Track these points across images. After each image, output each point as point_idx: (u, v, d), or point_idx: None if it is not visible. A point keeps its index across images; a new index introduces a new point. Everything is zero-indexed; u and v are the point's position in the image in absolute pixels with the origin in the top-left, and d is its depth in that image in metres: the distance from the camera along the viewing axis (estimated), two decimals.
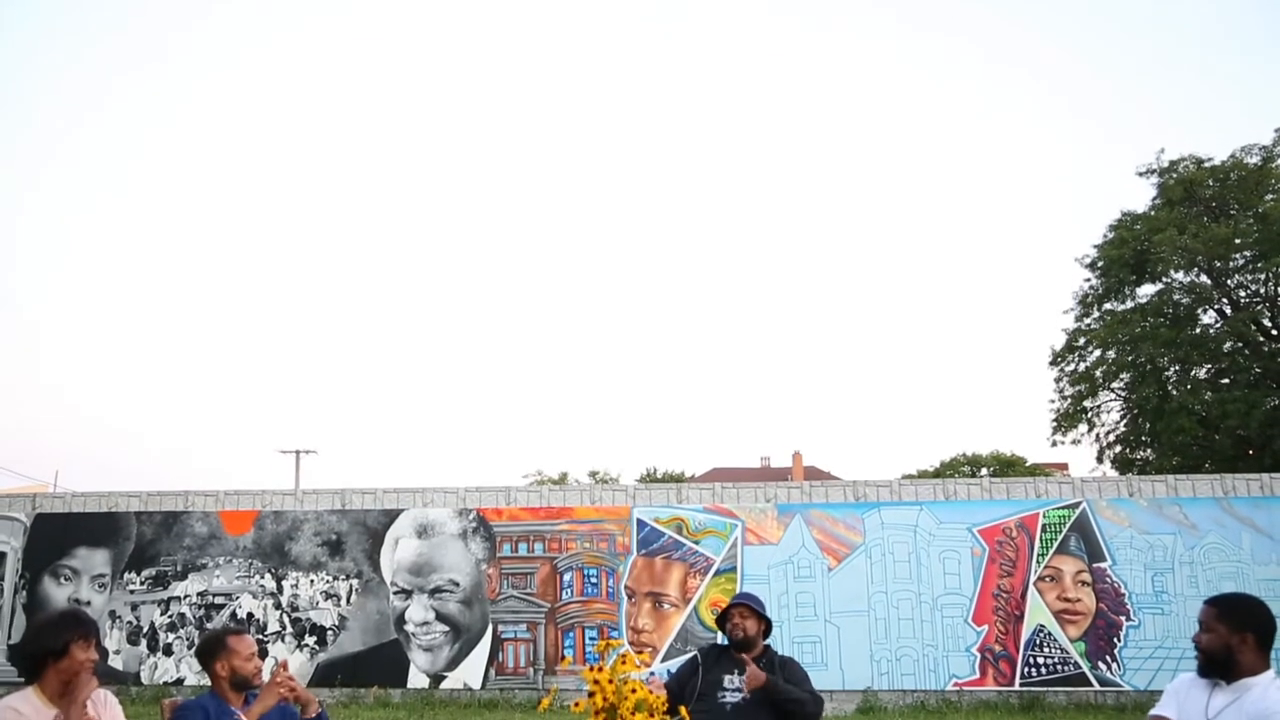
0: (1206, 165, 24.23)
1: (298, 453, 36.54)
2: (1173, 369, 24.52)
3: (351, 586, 11.60)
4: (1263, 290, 24.34)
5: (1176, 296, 24.44)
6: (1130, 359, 24.40)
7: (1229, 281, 24.32)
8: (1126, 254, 24.17)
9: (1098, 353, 25.51)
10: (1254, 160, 23.70)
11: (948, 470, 43.58)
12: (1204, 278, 24.17)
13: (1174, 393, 23.71)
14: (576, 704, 2.81)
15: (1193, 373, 24.44)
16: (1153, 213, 24.55)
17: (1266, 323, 24.24)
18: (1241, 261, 23.92)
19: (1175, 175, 24.41)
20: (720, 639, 5.03)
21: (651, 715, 2.66)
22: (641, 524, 11.34)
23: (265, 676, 4.10)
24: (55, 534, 12.12)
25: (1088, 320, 25.97)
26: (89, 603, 11.66)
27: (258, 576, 11.75)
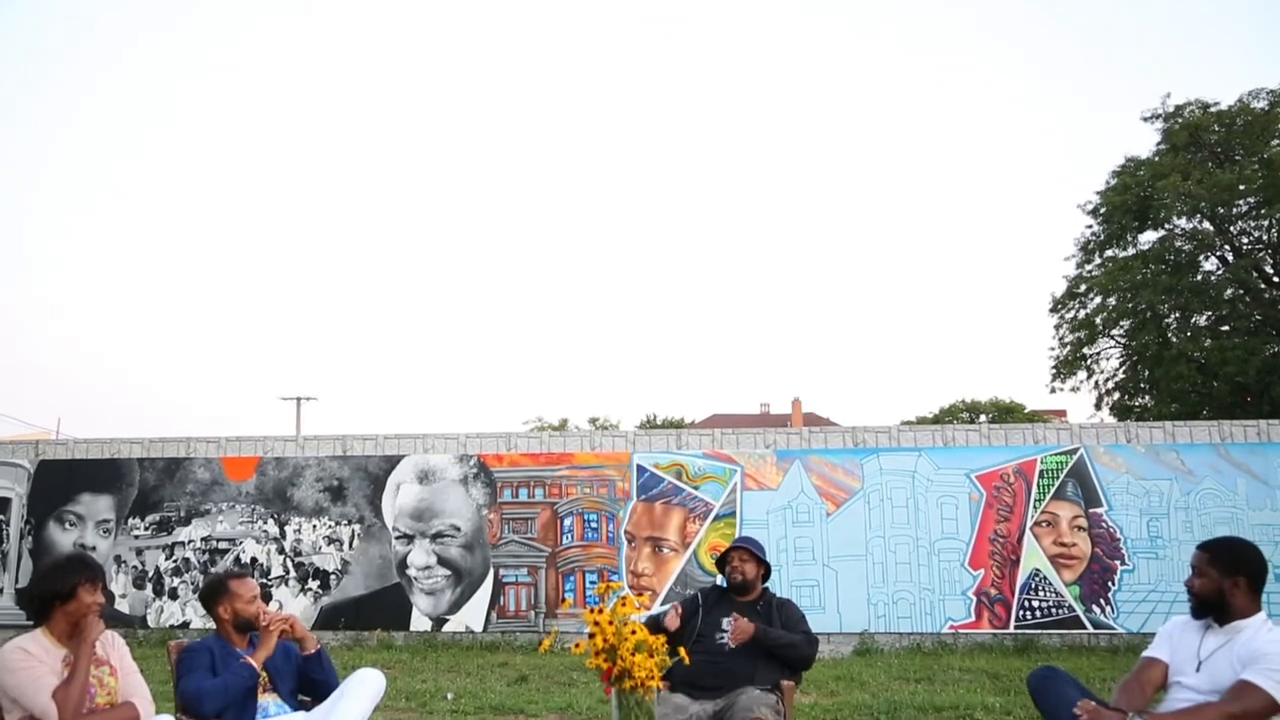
0: (1213, 110, 23.97)
1: (298, 400, 36.69)
2: (1173, 316, 24.51)
3: (353, 532, 11.71)
4: (1265, 237, 24.23)
5: (1178, 243, 24.34)
6: (1130, 306, 24.37)
7: (1232, 228, 24.21)
8: (1129, 200, 24.02)
9: (1098, 300, 25.47)
10: (1261, 105, 23.44)
11: (947, 417, 43.80)
12: (1206, 224, 24.05)
13: (1173, 340, 23.73)
14: (577, 645, 2.85)
15: (1193, 320, 24.43)
16: (1157, 158, 24.35)
17: (1269, 269, 24.18)
18: (1245, 208, 23.78)
19: (1181, 120, 24.16)
20: (720, 581, 5.10)
21: (651, 655, 2.70)
22: (641, 469, 11.41)
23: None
24: (59, 480, 12.21)
25: (1089, 267, 25.91)
26: (94, 548, 11.77)
27: (260, 522, 11.86)
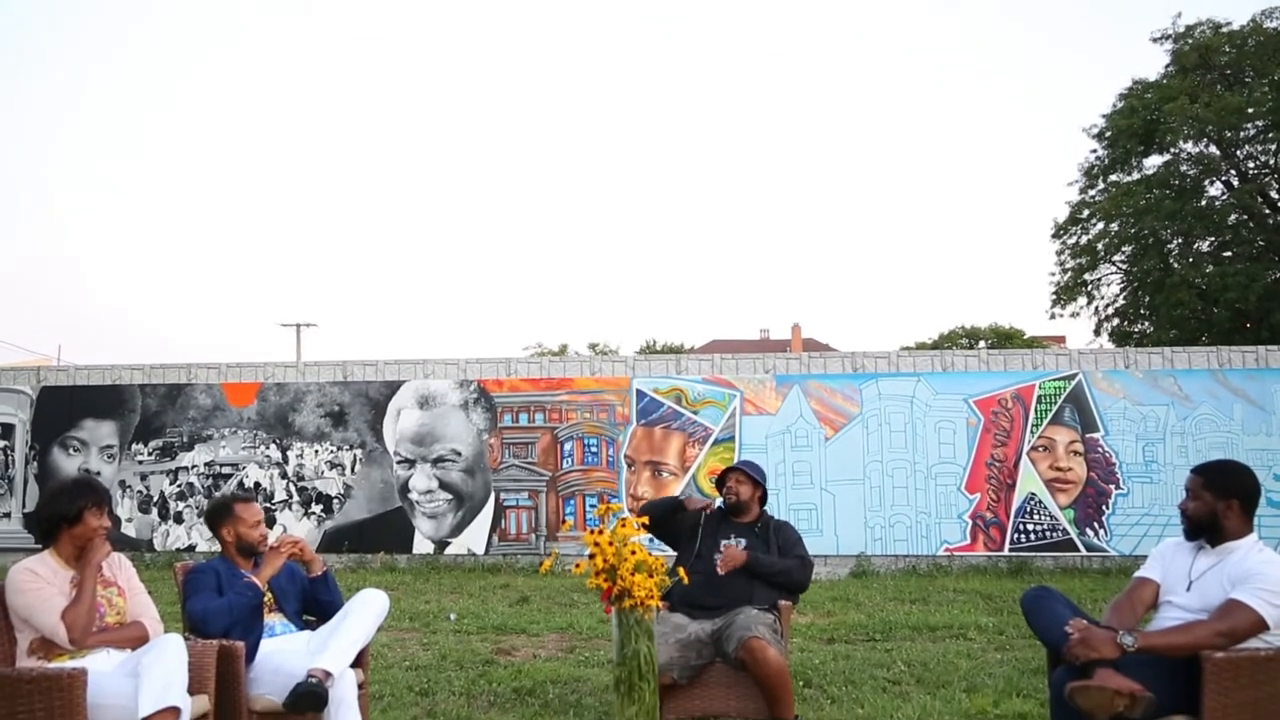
0: (1224, 30, 23.46)
1: (298, 326, 36.66)
2: (1175, 242, 24.35)
3: (355, 456, 11.80)
4: (1272, 161, 23.95)
5: (1184, 168, 24.05)
6: (1133, 232, 24.20)
7: (1238, 152, 23.91)
8: (1135, 124, 23.67)
9: (1100, 225, 25.28)
10: (1274, 25, 22.93)
11: (946, 343, 43.81)
12: (1213, 148, 23.74)
13: (1175, 266, 23.61)
14: (578, 565, 2.89)
15: (1195, 246, 24.28)
16: (1165, 81, 23.93)
17: (1274, 194, 23.95)
18: (1253, 131, 23.44)
19: (1191, 41, 23.67)
20: (719, 503, 5.15)
21: (651, 575, 2.74)
22: (641, 394, 11.46)
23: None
24: (61, 406, 12.26)
25: (1092, 192, 25.64)
26: (99, 473, 11.86)
27: (263, 447, 11.94)
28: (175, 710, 3.17)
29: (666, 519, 4.93)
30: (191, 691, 3.34)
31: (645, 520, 3.03)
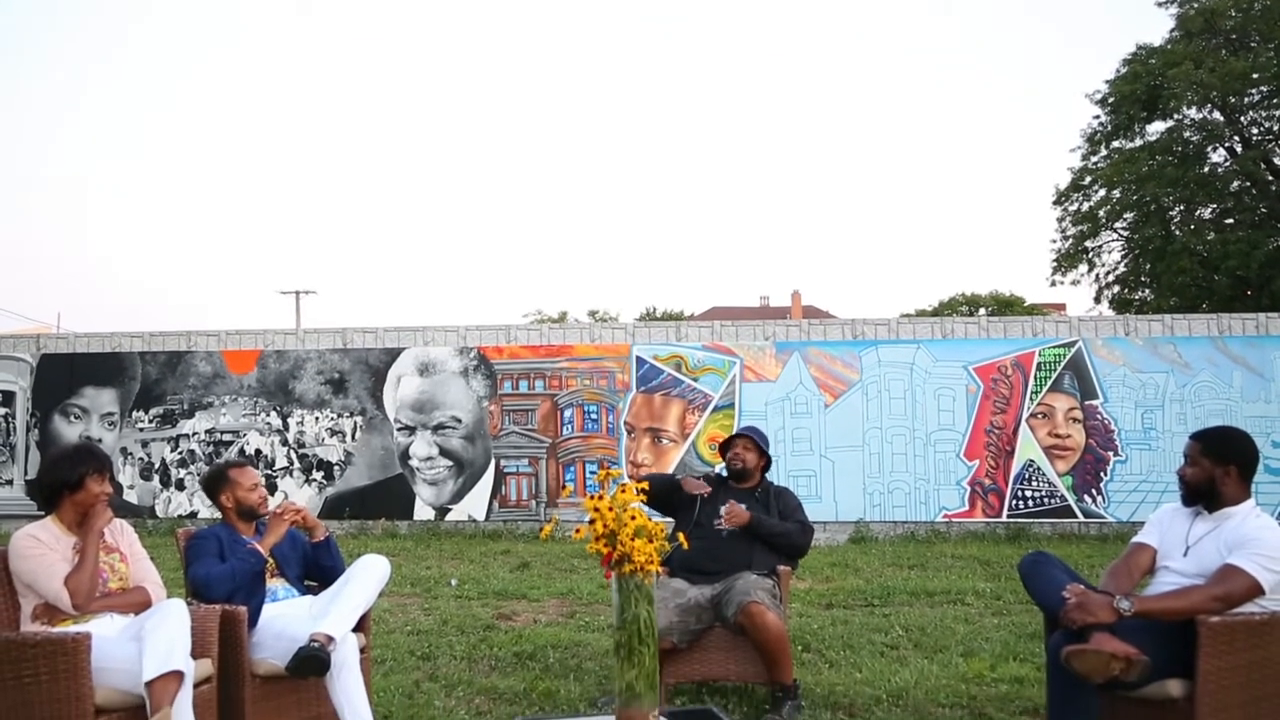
0: None
1: (297, 293, 36.63)
2: (1177, 209, 24.25)
3: (356, 423, 11.83)
4: (1276, 127, 23.79)
5: (1187, 134, 23.89)
6: (1135, 198, 24.10)
7: (1242, 119, 23.73)
8: (1139, 90, 23.48)
9: (1102, 192, 25.16)
10: None
11: (946, 310, 43.77)
12: (1217, 114, 23.56)
13: (1177, 233, 23.53)
14: (577, 530, 2.90)
15: (1197, 213, 24.18)
16: (1169, 46, 23.71)
17: (1277, 161, 23.80)
18: (1257, 97, 23.27)
19: (1196, 5, 23.41)
20: (720, 469, 5.16)
21: (651, 540, 2.75)
22: (641, 361, 11.46)
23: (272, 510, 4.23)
24: (61, 374, 12.26)
25: (1095, 159, 25.50)
26: (100, 440, 11.89)
27: (263, 414, 11.96)
28: (179, 674, 3.20)
29: (664, 497, 4.92)
30: (195, 656, 3.36)
31: (645, 486, 3.04)
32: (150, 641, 3.21)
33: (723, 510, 4.73)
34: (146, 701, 3.16)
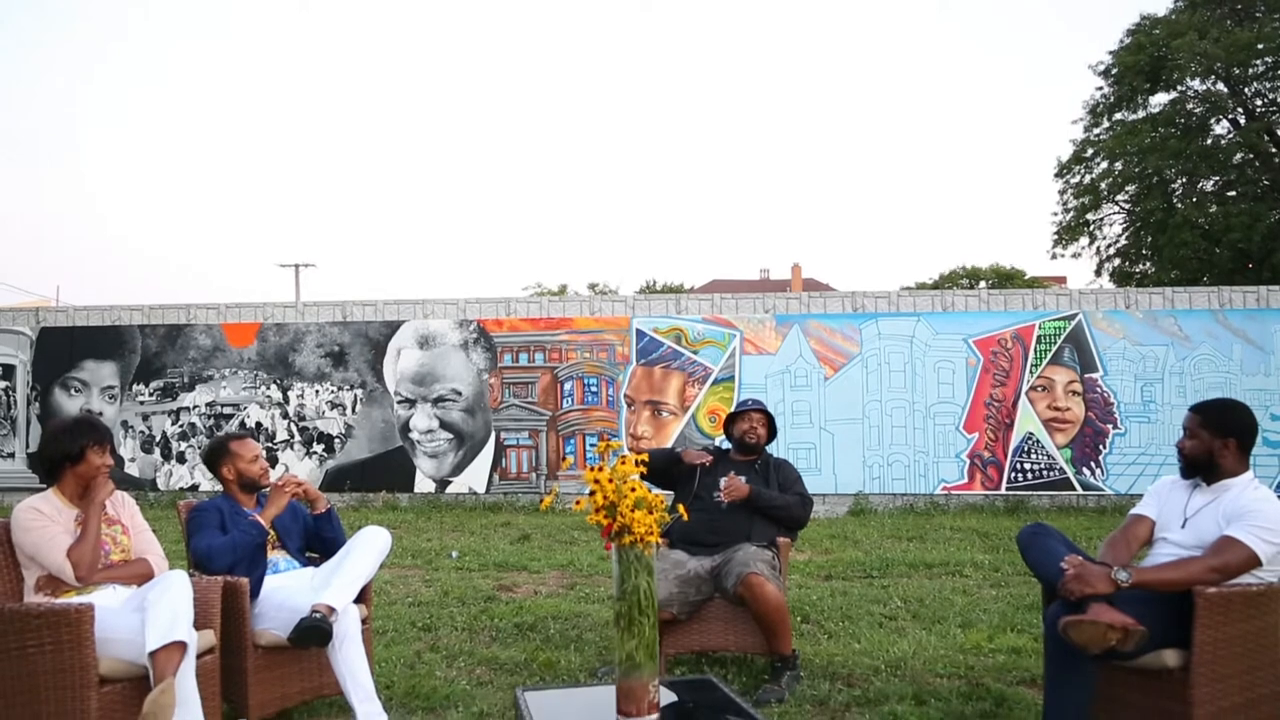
0: None
1: (297, 266, 36.55)
2: (1179, 181, 24.16)
3: (356, 396, 11.84)
4: None
5: (1190, 106, 23.77)
6: (1137, 171, 24.01)
7: (1246, 90, 23.59)
8: (1142, 60, 23.33)
9: (1105, 164, 25.08)
10: None
11: (947, 283, 43.71)
12: (1220, 86, 23.42)
13: (1179, 206, 23.46)
14: (577, 502, 2.91)
15: (1199, 185, 24.09)
16: (1174, 17, 23.54)
17: None
18: (1262, 68, 23.12)
19: None
20: (719, 441, 5.16)
21: (651, 512, 2.76)
22: (641, 334, 11.45)
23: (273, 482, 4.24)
24: (61, 347, 12.26)
25: (1097, 131, 25.38)
26: (101, 413, 11.91)
27: (264, 387, 11.97)
28: (182, 645, 3.22)
29: (665, 469, 4.94)
30: (197, 626, 3.38)
31: (644, 458, 3.04)
32: (153, 613, 3.23)
33: (722, 483, 4.74)
34: (150, 672, 3.18)
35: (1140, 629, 3.10)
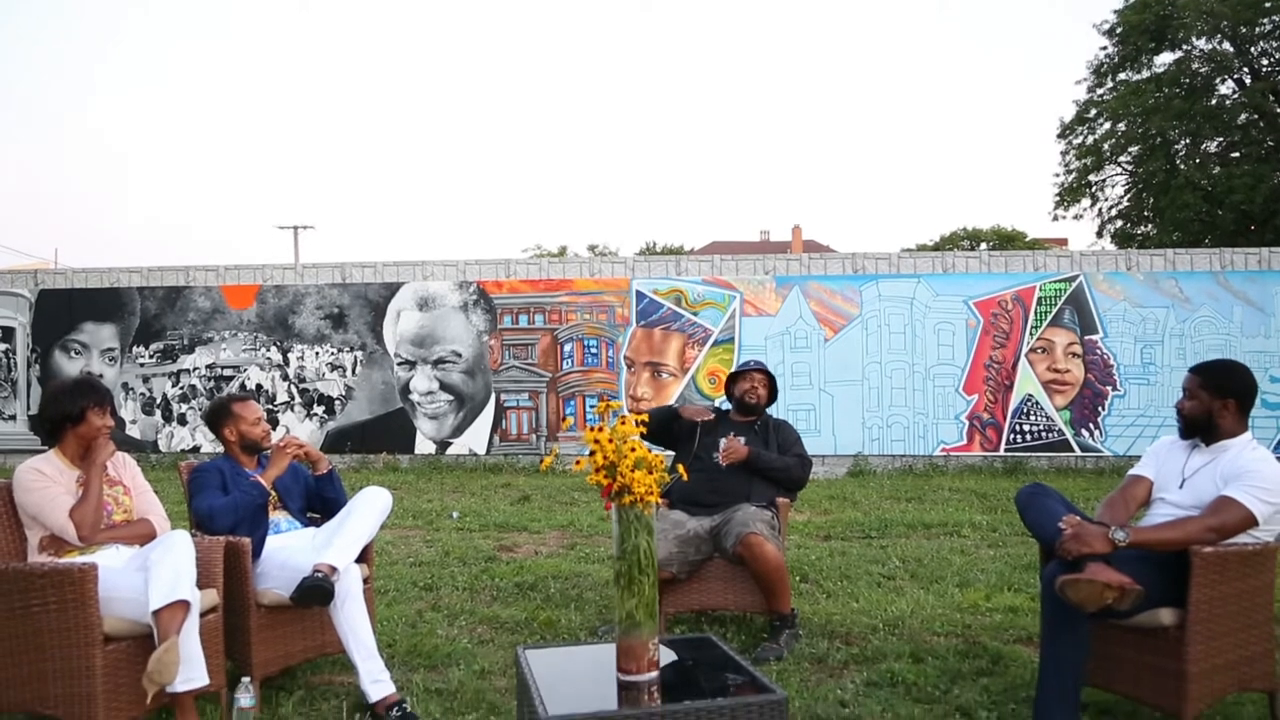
0: None
1: (295, 228, 36.39)
2: (1183, 142, 23.98)
3: (356, 358, 11.84)
4: None
5: (1195, 65, 23.52)
6: (1140, 132, 23.83)
7: (1252, 49, 23.33)
8: (1148, 19, 23.06)
9: (1107, 125, 24.88)
10: None
11: (947, 244, 43.55)
12: (1226, 45, 23.17)
13: (1182, 167, 23.31)
14: (578, 462, 2.91)
15: (1203, 146, 23.92)
16: None
17: None
18: (1269, 27, 22.84)
19: None
20: (719, 403, 5.17)
21: (650, 472, 2.76)
22: (641, 296, 11.43)
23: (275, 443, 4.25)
24: (60, 310, 12.24)
25: (1100, 91, 25.15)
26: (101, 375, 11.91)
27: (263, 349, 11.97)
28: (185, 604, 3.24)
29: (664, 428, 4.96)
30: (200, 586, 3.40)
31: (644, 418, 3.04)
32: (156, 572, 3.25)
33: (722, 444, 4.75)
34: (154, 630, 3.20)
35: (1137, 588, 3.12)
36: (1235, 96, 23.46)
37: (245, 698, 3.43)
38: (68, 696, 3.19)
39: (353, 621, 3.72)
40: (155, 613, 3.19)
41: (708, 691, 2.95)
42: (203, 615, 3.42)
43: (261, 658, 3.73)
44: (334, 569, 3.69)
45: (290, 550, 3.88)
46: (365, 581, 3.96)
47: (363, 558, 3.99)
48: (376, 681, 3.63)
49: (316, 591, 3.62)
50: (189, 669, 3.23)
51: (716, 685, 3.02)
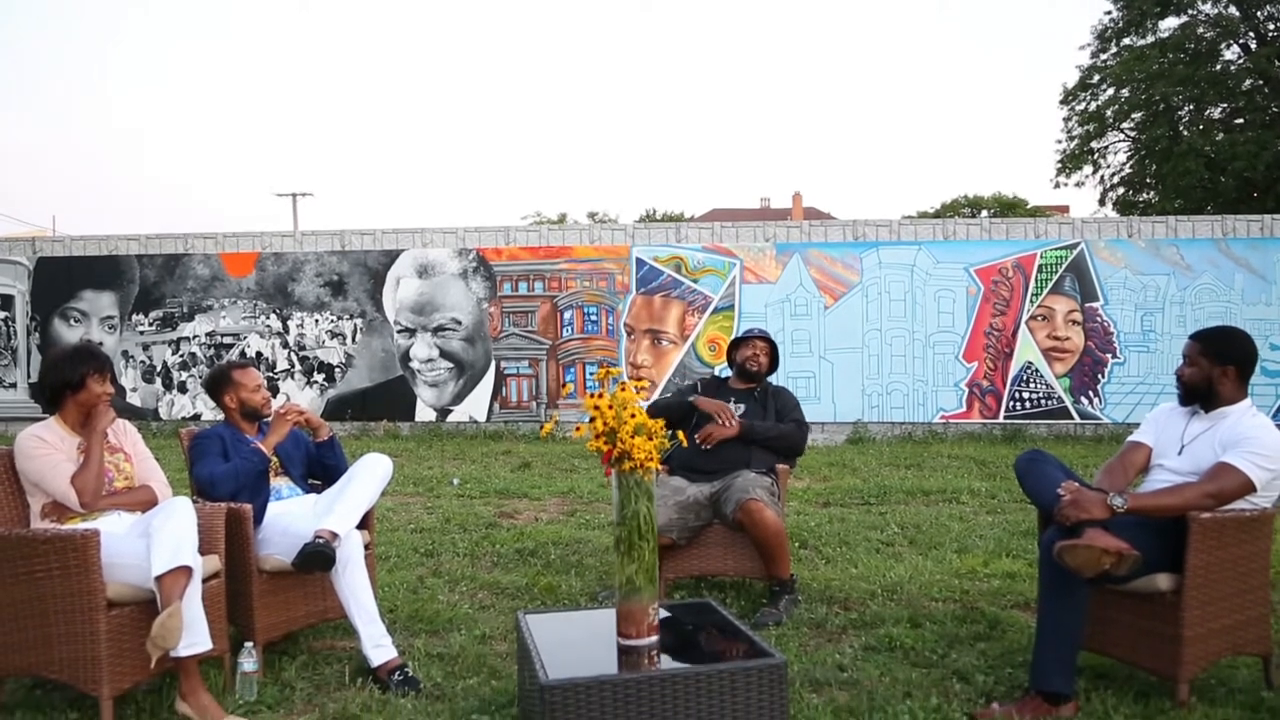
0: None
1: (294, 195, 36.21)
2: (1186, 109, 23.80)
3: (356, 326, 11.83)
4: None
5: (1200, 30, 23.30)
6: (1144, 98, 23.64)
7: (1259, 14, 23.10)
8: None
9: (1111, 91, 24.69)
10: None
11: (948, 212, 43.36)
12: (1233, 9, 22.94)
13: (1185, 134, 23.16)
14: (578, 428, 2.92)
15: (1206, 113, 23.74)
16: None
17: None
18: None
19: None
20: (719, 370, 5.17)
21: (650, 438, 2.77)
22: (641, 263, 11.40)
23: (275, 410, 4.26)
24: (59, 277, 12.21)
25: (1104, 56, 24.93)
26: (101, 343, 11.90)
27: (263, 317, 11.96)
28: (187, 569, 3.25)
29: (681, 421, 4.84)
30: (202, 552, 3.42)
31: (644, 384, 3.05)
32: (158, 538, 3.26)
33: (737, 410, 4.77)
34: (157, 596, 3.22)
35: (1134, 554, 3.13)
36: (1240, 62, 23.26)
37: (248, 662, 3.46)
38: (72, 661, 3.21)
39: (354, 587, 3.74)
40: (158, 578, 3.21)
41: (707, 656, 2.98)
42: (205, 581, 3.43)
43: (264, 623, 3.75)
44: (335, 535, 3.70)
45: (292, 516, 3.90)
46: (366, 547, 3.98)
47: (364, 524, 4.00)
48: (378, 646, 3.66)
49: (318, 557, 3.64)
50: (192, 634, 3.25)
51: (716, 650, 3.05)
